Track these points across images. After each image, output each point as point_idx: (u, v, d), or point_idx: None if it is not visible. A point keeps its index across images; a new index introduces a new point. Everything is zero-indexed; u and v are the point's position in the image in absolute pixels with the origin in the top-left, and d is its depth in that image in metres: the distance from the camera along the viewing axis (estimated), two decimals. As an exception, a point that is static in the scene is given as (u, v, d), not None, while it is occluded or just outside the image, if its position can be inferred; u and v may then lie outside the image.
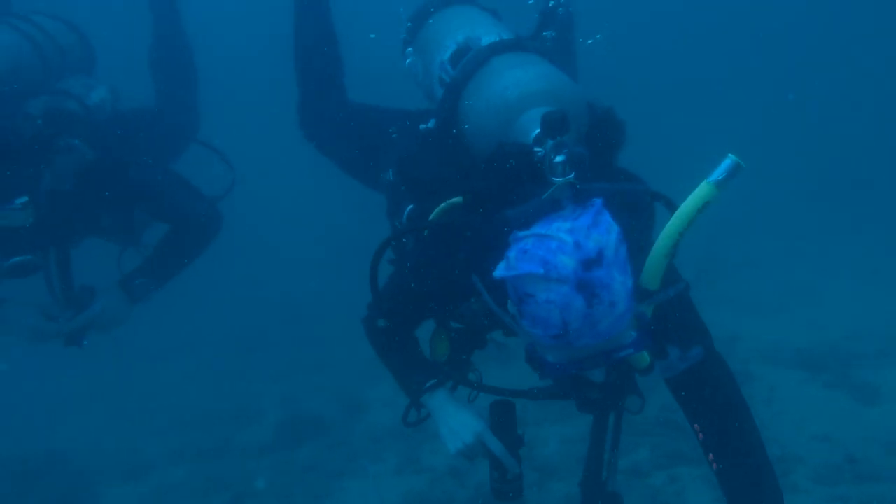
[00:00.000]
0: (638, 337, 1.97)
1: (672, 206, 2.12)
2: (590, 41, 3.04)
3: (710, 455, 2.30)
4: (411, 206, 2.62)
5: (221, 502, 4.83)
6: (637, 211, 2.19)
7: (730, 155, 2.00)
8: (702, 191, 1.99)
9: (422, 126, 2.69)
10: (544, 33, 2.91)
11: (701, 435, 2.33)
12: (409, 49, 2.96)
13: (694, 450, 4.92)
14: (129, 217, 3.40)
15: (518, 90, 2.48)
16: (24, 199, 2.86)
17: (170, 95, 4.01)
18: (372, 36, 3.33)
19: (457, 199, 2.39)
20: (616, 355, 1.96)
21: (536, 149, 2.19)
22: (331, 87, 3.34)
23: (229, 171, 3.79)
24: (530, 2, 2.94)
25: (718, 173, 1.99)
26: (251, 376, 6.39)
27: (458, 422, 2.50)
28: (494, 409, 2.50)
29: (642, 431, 4.97)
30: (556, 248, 1.87)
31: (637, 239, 2.09)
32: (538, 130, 2.20)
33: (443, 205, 2.43)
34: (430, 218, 2.45)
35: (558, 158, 2.10)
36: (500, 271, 1.94)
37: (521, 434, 2.52)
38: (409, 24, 2.99)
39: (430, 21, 2.94)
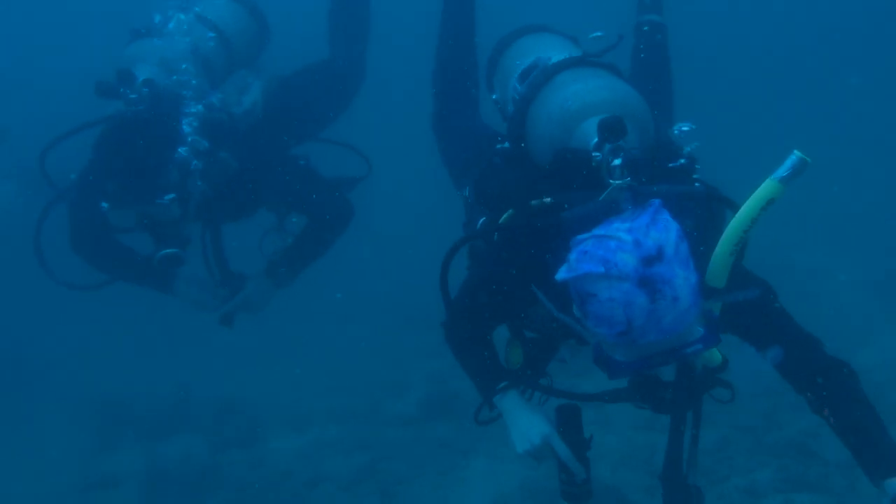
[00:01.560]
0: (706, 333, 1.96)
1: (733, 206, 2.16)
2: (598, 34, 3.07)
3: (825, 410, 2.28)
4: (483, 219, 2.74)
5: (362, 462, 5.50)
6: (697, 212, 2.20)
7: (795, 151, 1.98)
8: (766, 188, 2.00)
9: (497, 146, 2.81)
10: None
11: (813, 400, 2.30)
12: (494, 80, 3.11)
13: (820, 480, 4.81)
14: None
15: (578, 101, 2.53)
16: (172, 195, 3.17)
17: (341, 46, 4.15)
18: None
19: (524, 206, 2.42)
20: (683, 352, 1.94)
21: (595, 154, 2.25)
22: (466, 101, 3.47)
23: (364, 164, 4.03)
24: (591, 35, 3.00)
25: (783, 170, 1.98)
26: (405, 352, 6.95)
27: (526, 424, 2.48)
28: (561, 412, 2.49)
29: (773, 452, 4.92)
30: (616, 246, 1.90)
31: (698, 238, 2.09)
32: (598, 138, 2.25)
33: (510, 211, 2.50)
34: (499, 223, 2.51)
35: (615, 162, 2.17)
36: (561, 274, 1.97)
37: (587, 437, 2.50)
38: (489, 56, 3.16)
39: (508, 50, 3.05)
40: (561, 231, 2.17)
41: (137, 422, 6.10)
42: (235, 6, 3.84)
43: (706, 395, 2.50)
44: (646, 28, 3.44)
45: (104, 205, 3.09)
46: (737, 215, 2.05)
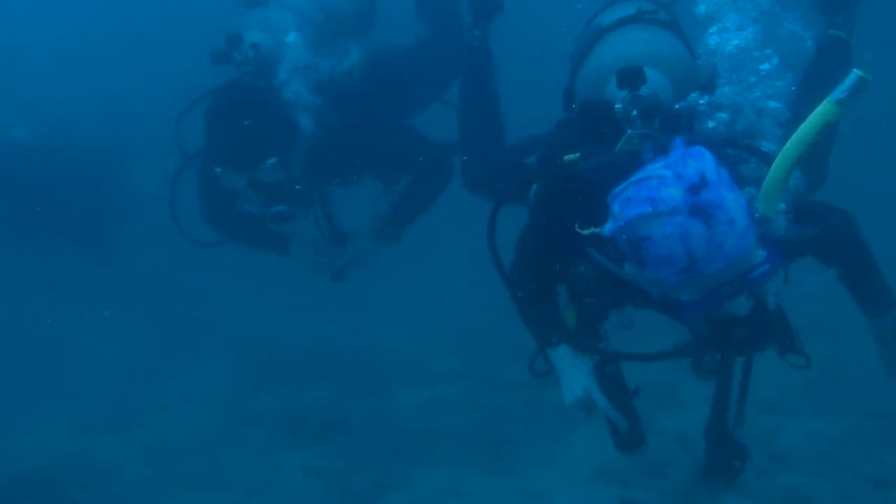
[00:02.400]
0: (770, 254, 1.91)
1: (761, 155, 2.11)
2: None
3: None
4: (536, 186, 2.73)
5: (475, 420, 5.81)
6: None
7: (854, 70, 1.91)
8: (822, 110, 1.94)
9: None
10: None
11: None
12: None
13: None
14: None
15: (613, 54, 2.56)
16: (273, 160, 3.38)
17: (436, 26, 4.27)
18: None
19: (546, 162, 2.49)
20: (752, 276, 1.89)
21: (617, 105, 2.26)
22: (495, 147, 3.53)
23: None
24: None
25: (841, 91, 1.92)
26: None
27: (570, 376, 2.52)
28: (598, 366, 2.51)
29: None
30: (658, 183, 1.88)
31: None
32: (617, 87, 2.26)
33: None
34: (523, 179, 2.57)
35: (634, 112, 2.19)
36: (609, 227, 1.95)
37: (633, 389, 2.50)
38: None
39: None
40: (581, 184, 2.18)
41: (282, 368, 6.78)
42: None
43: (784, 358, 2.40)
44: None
45: (217, 170, 3.39)
46: (791, 138, 1.97)
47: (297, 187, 3.61)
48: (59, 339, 7.05)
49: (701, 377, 2.55)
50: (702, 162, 1.90)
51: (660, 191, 1.86)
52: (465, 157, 3.55)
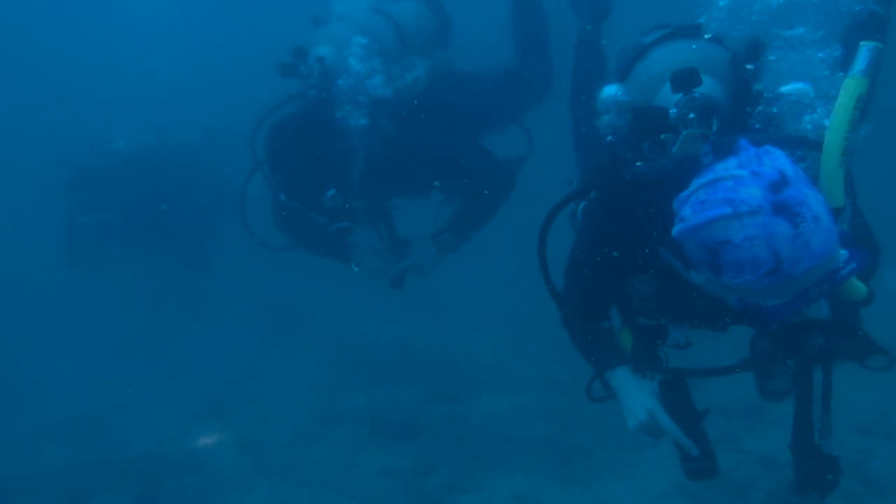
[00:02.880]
0: (852, 252, 1.82)
1: (816, 146, 1.99)
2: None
3: None
4: (584, 203, 2.70)
5: (549, 429, 5.77)
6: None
7: (862, 43, 1.88)
8: (849, 86, 1.89)
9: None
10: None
11: None
12: None
13: None
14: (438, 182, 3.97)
15: (660, 64, 2.48)
16: (332, 191, 3.54)
17: (526, 52, 4.27)
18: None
19: (601, 172, 2.39)
20: (839, 275, 1.80)
21: (672, 111, 2.18)
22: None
23: (527, 144, 4.20)
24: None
25: (860, 63, 1.88)
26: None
27: (633, 399, 2.38)
28: (663, 385, 2.37)
29: None
30: (734, 184, 1.77)
31: None
32: (672, 90, 2.19)
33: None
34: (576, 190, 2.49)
35: (690, 114, 2.11)
36: (679, 232, 1.84)
37: (701, 411, 2.35)
38: None
39: None
40: (639, 190, 2.11)
41: (368, 368, 6.99)
42: (417, 4, 4.13)
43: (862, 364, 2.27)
44: None
45: (281, 196, 3.62)
46: (830, 124, 1.90)
47: (357, 205, 3.73)
48: (170, 337, 7.58)
49: (767, 399, 2.43)
50: (777, 159, 1.80)
51: (738, 191, 1.75)
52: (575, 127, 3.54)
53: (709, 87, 2.37)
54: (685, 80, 2.19)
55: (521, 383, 6.56)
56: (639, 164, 2.26)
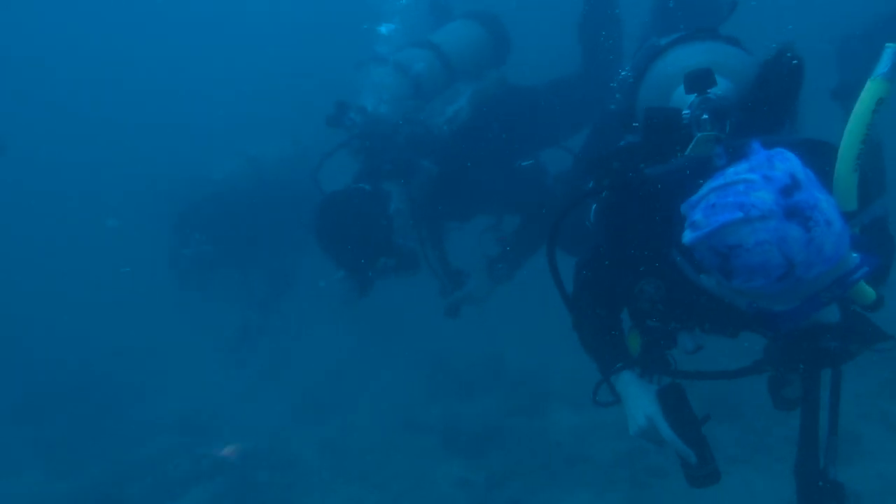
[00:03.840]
0: (864, 256, 1.79)
1: (833, 149, 1.96)
2: None
3: None
4: (596, 205, 2.72)
5: (627, 448, 5.60)
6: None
7: (888, 45, 1.85)
8: (871, 88, 1.86)
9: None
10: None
11: None
12: None
13: None
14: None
15: (676, 64, 2.44)
16: (383, 260, 3.62)
17: (595, 62, 4.21)
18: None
19: (608, 169, 2.32)
20: (850, 279, 1.77)
21: (685, 112, 2.16)
22: None
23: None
24: None
25: (883, 66, 1.84)
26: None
27: (634, 404, 2.35)
28: (662, 393, 2.33)
29: None
30: (745, 188, 1.75)
31: None
32: (685, 90, 2.16)
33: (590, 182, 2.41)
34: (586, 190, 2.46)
35: (704, 115, 2.08)
36: (689, 236, 1.82)
37: (701, 417, 2.31)
38: None
39: None
40: (649, 192, 2.11)
41: (453, 380, 7.12)
42: (469, 25, 4.18)
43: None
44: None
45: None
46: (848, 126, 1.87)
47: (408, 247, 3.85)
48: (270, 340, 8.02)
49: (780, 407, 2.39)
50: (789, 163, 1.77)
51: (749, 195, 1.73)
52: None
53: (724, 88, 2.35)
54: (699, 80, 2.16)
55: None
56: (650, 165, 2.23)
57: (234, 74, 12.63)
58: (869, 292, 1.89)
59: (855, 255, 1.77)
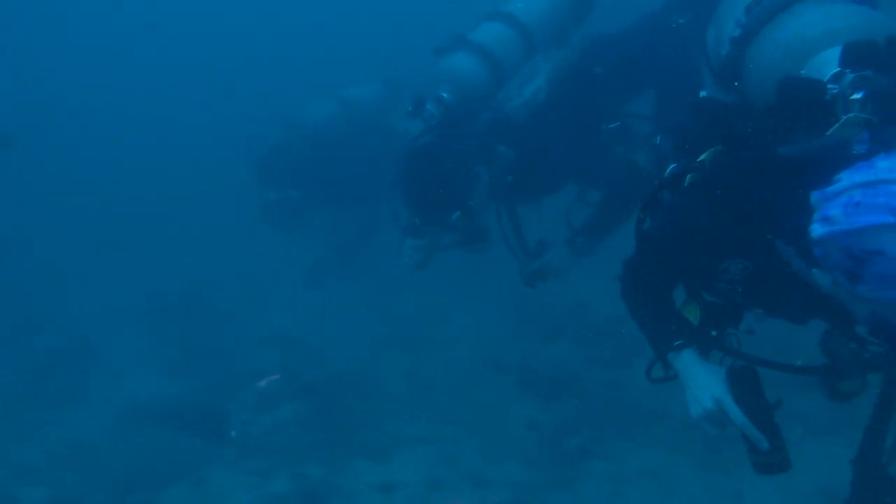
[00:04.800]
0: None
1: None
2: None
3: None
4: (674, 165, 2.44)
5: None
6: None
7: None
8: None
9: (702, 93, 2.55)
10: None
11: None
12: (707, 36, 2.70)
13: None
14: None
15: (821, 26, 2.17)
16: (458, 213, 3.71)
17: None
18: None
19: (731, 140, 2.16)
20: None
21: (831, 86, 1.94)
22: None
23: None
24: None
25: None
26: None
27: (699, 385, 2.26)
28: (733, 373, 2.25)
29: None
30: None
31: None
32: (837, 69, 1.93)
33: (709, 151, 2.23)
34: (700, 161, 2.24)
35: (856, 95, 1.86)
36: (821, 231, 1.70)
37: (773, 402, 2.23)
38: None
39: None
40: (774, 172, 1.93)
41: (539, 323, 7.10)
42: None
43: None
44: None
45: (416, 220, 3.87)
46: None
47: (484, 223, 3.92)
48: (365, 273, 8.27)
49: (834, 399, 2.25)
50: None
51: None
52: None
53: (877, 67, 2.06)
54: (860, 53, 1.92)
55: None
56: (778, 142, 2.01)
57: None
58: None
59: None
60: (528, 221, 4.27)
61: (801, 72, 2.12)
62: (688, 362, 2.31)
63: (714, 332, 2.41)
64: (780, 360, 2.23)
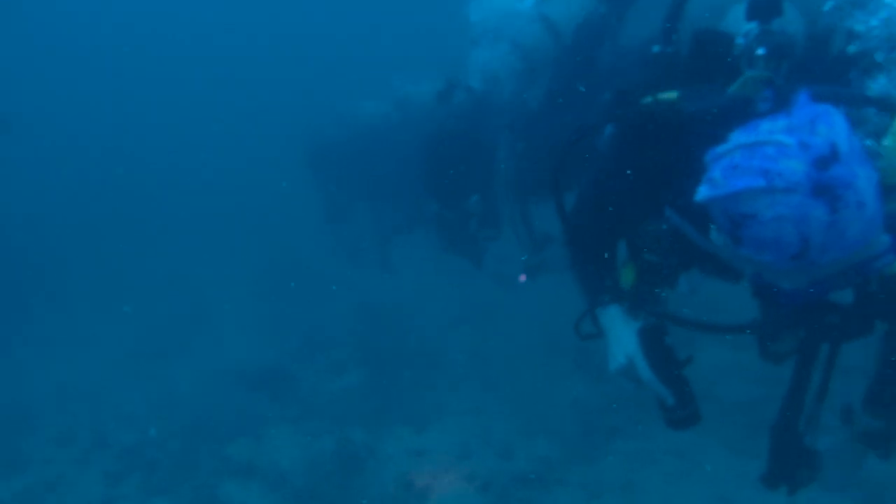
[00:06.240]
0: (894, 240, 1.61)
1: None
2: None
3: None
4: (614, 127, 2.39)
5: (754, 394, 5.16)
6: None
7: None
8: None
9: (654, 48, 2.45)
10: None
11: None
12: None
13: None
14: None
15: None
16: (476, 197, 3.85)
17: None
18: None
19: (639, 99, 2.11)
20: (871, 266, 1.61)
21: (739, 40, 1.90)
22: None
23: None
24: None
25: None
26: None
27: (616, 341, 2.28)
28: (642, 333, 2.25)
29: None
30: (776, 153, 1.56)
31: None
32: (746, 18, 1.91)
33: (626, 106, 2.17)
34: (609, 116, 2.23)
35: (760, 50, 1.84)
36: (703, 193, 1.66)
37: (683, 359, 2.24)
38: None
39: None
40: (676, 130, 1.94)
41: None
42: None
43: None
44: None
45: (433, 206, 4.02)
46: None
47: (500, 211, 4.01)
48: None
49: (767, 360, 2.21)
50: (834, 128, 1.56)
51: (778, 162, 1.55)
52: None
53: (792, 20, 2.03)
54: (764, 6, 1.89)
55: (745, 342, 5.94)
56: (680, 100, 2.01)
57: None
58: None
59: (887, 237, 1.58)
60: (540, 214, 4.22)
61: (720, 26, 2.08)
62: (611, 318, 2.33)
63: (647, 292, 2.38)
64: (704, 320, 2.19)
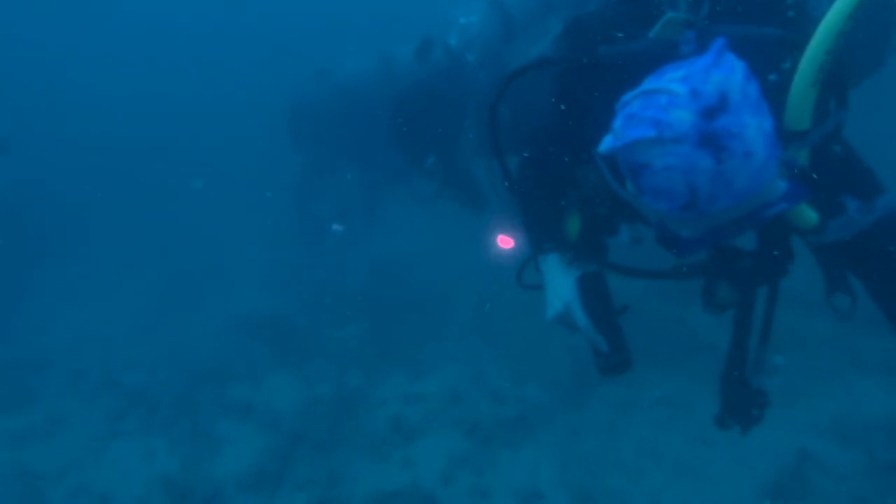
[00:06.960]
0: (791, 188, 1.62)
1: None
2: None
3: None
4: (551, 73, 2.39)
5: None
6: (778, 63, 1.74)
7: None
8: None
9: None
10: None
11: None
12: None
13: None
14: None
15: None
16: (433, 158, 3.76)
17: None
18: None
19: (561, 44, 2.17)
20: (763, 215, 1.63)
21: None
22: None
23: None
24: None
25: None
26: None
27: (554, 289, 2.30)
28: (581, 281, 2.28)
29: None
30: (667, 102, 1.56)
31: (773, 84, 1.71)
32: None
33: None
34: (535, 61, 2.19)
35: None
36: (606, 144, 1.66)
37: (619, 307, 2.28)
38: None
39: None
40: (601, 74, 1.92)
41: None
42: None
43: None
44: None
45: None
46: (817, 32, 1.65)
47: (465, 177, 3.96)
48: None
49: (711, 312, 2.19)
50: (728, 76, 1.55)
51: (668, 112, 1.55)
52: None
53: None
54: None
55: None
56: (612, 42, 1.99)
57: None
58: (809, 216, 1.76)
59: (783, 184, 1.59)
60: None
61: None
62: (550, 265, 2.36)
63: (591, 242, 2.40)
64: (643, 268, 2.21)
